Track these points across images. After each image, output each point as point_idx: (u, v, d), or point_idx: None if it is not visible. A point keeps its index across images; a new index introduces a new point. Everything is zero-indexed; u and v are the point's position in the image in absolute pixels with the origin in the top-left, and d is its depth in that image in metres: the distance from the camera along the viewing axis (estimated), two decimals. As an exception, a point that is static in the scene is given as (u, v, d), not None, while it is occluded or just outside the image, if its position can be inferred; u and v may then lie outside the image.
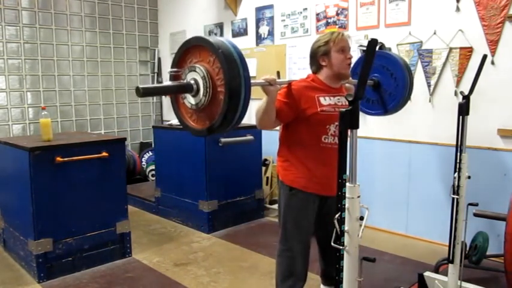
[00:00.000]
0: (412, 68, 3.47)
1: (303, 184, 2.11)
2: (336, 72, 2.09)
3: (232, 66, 1.39)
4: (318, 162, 2.08)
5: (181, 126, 1.65)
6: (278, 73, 4.29)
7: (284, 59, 4.46)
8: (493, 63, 3.05)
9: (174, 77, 1.57)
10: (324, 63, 2.10)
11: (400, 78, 2.50)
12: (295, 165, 2.13)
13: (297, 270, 2.17)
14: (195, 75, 1.47)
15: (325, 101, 2.06)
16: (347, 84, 2.29)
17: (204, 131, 1.53)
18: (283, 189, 2.18)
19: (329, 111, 2.04)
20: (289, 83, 2.09)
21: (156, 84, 1.45)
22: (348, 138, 1.37)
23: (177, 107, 1.63)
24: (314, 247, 2.30)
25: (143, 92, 1.40)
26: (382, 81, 2.55)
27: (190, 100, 1.52)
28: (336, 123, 1.39)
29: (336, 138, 2.01)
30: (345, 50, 2.08)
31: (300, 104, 2.03)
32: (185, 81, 1.50)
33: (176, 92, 1.54)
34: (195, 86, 1.47)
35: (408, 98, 2.57)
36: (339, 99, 2.11)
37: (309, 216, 2.15)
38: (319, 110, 2.03)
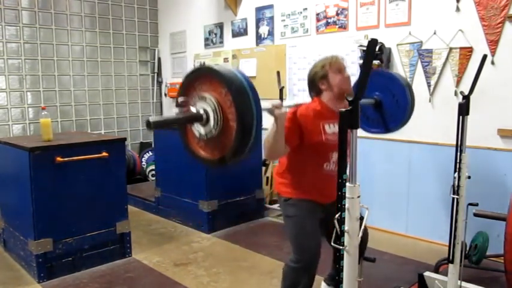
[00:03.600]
0: (412, 68, 3.49)
1: (300, 194, 2.11)
2: (337, 92, 2.08)
3: (245, 101, 1.35)
4: (317, 189, 2.10)
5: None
6: (278, 73, 4.29)
7: (284, 59, 4.46)
8: (493, 63, 3.05)
9: (182, 104, 1.55)
10: (323, 87, 2.10)
11: (402, 101, 2.44)
12: (294, 182, 2.15)
13: (302, 283, 2.07)
14: (205, 106, 1.42)
15: (330, 129, 2.07)
16: None
17: (216, 161, 1.49)
18: (281, 201, 2.19)
19: (332, 140, 2.04)
20: (296, 107, 2.07)
21: (165, 117, 1.46)
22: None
23: (184, 133, 1.58)
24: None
25: (154, 126, 1.40)
26: (383, 101, 2.48)
27: (199, 129, 1.47)
28: None
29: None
30: (341, 70, 2.10)
31: (305, 129, 2.03)
32: (194, 110, 1.46)
33: (186, 123, 1.53)
34: (204, 116, 1.43)
35: (408, 119, 2.51)
36: None
37: (310, 221, 2.10)
38: (323, 138, 2.05)
